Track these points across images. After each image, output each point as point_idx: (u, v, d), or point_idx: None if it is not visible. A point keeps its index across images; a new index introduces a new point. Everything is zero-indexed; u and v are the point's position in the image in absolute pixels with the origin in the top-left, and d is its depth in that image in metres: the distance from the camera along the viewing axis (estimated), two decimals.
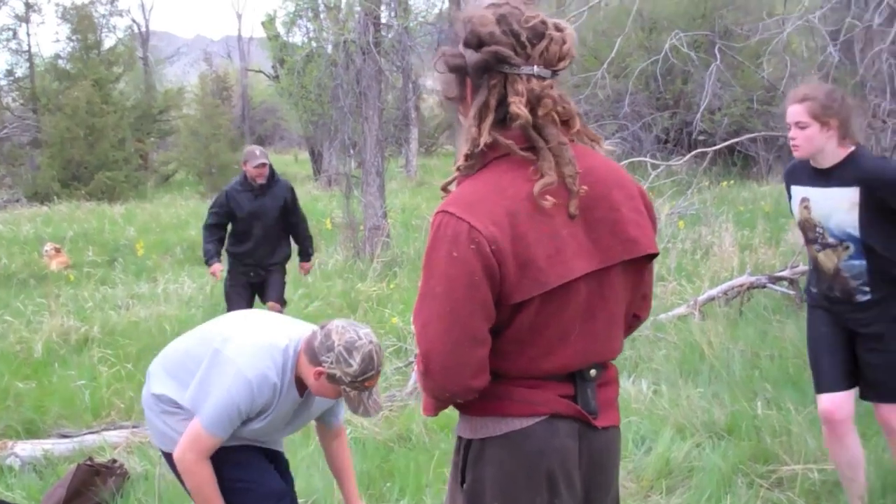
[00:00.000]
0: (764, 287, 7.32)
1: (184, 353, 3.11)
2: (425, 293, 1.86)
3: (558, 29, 1.88)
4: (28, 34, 29.30)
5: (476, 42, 1.86)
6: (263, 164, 6.65)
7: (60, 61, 28.40)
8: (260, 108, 42.62)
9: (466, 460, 1.98)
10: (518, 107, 1.83)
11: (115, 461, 4.22)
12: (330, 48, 12.70)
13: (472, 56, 1.87)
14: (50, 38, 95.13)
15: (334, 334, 2.79)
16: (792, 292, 7.15)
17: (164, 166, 30.07)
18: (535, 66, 1.85)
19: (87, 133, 24.01)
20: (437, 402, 1.96)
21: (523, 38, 1.84)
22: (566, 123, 1.91)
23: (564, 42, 1.87)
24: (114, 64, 28.96)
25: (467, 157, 1.89)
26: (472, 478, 1.97)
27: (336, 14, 13.00)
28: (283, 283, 7.11)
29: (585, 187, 1.88)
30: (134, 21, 37.73)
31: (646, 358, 5.86)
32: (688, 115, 16.63)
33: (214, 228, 6.84)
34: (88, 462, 4.09)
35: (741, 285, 7.27)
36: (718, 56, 6.78)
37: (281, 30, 23.09)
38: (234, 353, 2.88)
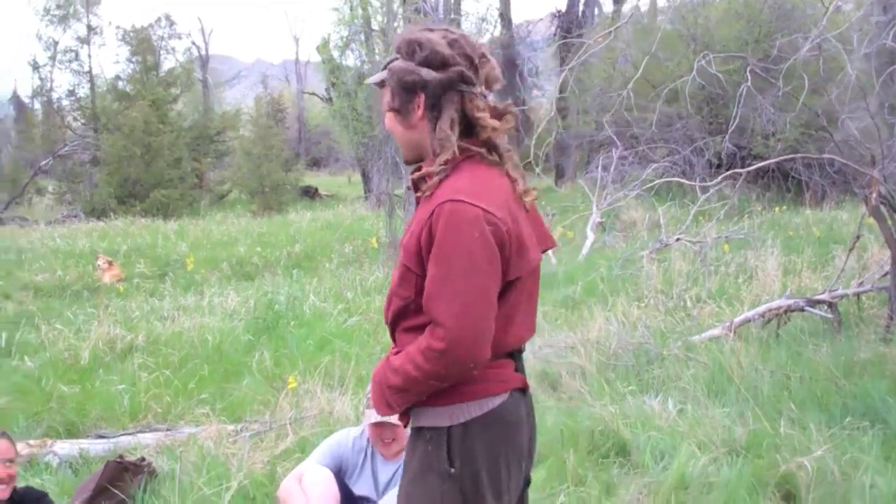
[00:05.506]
0: (802, 310, 7.23)
1: None
2: (448, 273, 2.00)
3: (490, 56, 2.17)
4: (89, 56, 30.41)
5: (440, 62, 2.09)
6: None
7: (120, 82, 29.29)
8: (316, 131, 43.33)
9: (450, 447, 2.08)
10: (488, 120, 2.10)
11: (143, 459, 4.36)
12: None
13: (431, 74, 2.09)
14: (110, 60, 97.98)
15: None
16: (830, 316, 7.07)
17: (219, 185, 30.67)
18: (481, 87, 2.14)
19: (144, 152, 24.66)
20: (440, 384, 2.06)
21: (475, 62, 2.12)
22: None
23: (495, 68, 2.16)
24: (171, 85, 29.74)
25: (446, 161, 2.09)
26: (461, 461, 2.08)
27: (384, 37, 13.21)
28: None
29: (535, 187, 2.19)
30: (194, 44, 38.74)
31: (674, 377, 5.84)
32: (740, 140, 16.42)
33: None
34: (118, 459, 4.23)
35: (778, 308, 7.20)
36: (750, 77, 6.77)
37: (334, 53, 23.47)
38: None
